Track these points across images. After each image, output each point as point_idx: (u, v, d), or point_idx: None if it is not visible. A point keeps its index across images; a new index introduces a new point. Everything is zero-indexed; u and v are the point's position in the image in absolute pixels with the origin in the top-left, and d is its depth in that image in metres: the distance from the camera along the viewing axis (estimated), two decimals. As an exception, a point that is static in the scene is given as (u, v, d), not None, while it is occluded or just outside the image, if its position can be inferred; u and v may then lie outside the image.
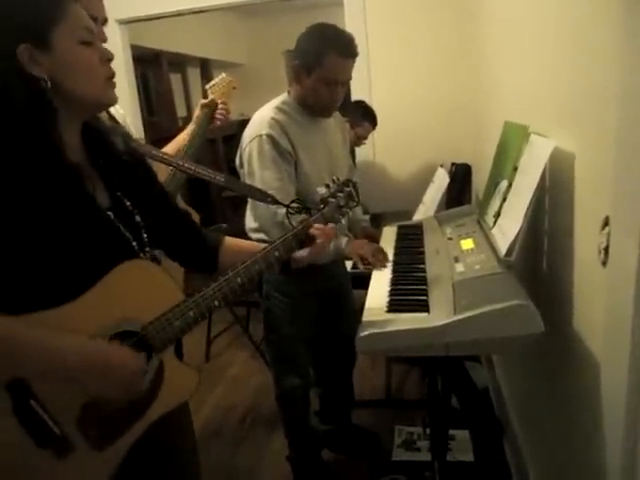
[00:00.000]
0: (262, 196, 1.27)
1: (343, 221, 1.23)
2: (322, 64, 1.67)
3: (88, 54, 0.91)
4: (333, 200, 1.20)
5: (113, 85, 0.97)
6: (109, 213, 0.98)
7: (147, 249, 1.04)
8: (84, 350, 0.89)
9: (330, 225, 1.17)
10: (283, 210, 1.63)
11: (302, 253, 1.15)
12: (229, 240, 1.23)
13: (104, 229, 0.96)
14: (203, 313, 1.00)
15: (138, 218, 1.03)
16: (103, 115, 1.66)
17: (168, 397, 1.00)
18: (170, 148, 1.86)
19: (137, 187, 1.06)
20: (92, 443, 0.93)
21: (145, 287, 0.97)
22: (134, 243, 1.00)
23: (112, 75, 0.96)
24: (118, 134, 1.08)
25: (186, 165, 1.22)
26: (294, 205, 1.18)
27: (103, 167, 1.01)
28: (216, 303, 1.02)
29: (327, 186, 1.21)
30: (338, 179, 1.23)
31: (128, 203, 1.03)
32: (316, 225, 1.14)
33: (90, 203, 0.95)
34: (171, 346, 1.01)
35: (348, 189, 1.21)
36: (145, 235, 1.04)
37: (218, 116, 1.82)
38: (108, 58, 0.95)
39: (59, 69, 0.88)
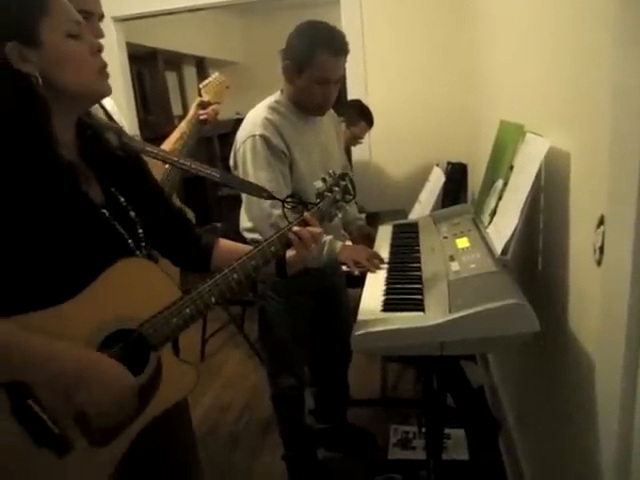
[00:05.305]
0: (258, 191, 1.26)
1: (340, 214, 1.22)
2: (313, 63, 1.65)
3: (77, 47, 0.90)
4: (329, 194, 1.19)
5: (106, 75, 0.96)
6: (104, 211, 0.97)
7: (143, 245, 1.03)
8: (80, 359, 0.88)
9: (310, 229, 1.12)
10: (277, 211, 1.61)
11: (291, 254, 1.14)
12: (223, 241, 1.22)
13: (99, 227, 0.96)
14: (200, 310, 1.00)
15: (133, 214, 1.03)
16: (97, 110, 1.66)
17: (167, 394, 1.00)
18: (162, 148, 1.85)
19: (131, 183, 1.06)
20: (92, 441, 0.92)
21: (141, 285, 0.97)
22: (129, 240, 1.00)
23: (104, 66, 0.95)
24: (111, 130, 1.07)
25: (181, 161, 1.21)
26: (289, 200, 1.17)
27: (97, 163, 1.01)
28: (213, 300, 1.01)
29: (323, 180, 1.20)
30: (334, 173, 1.22)
31: (122, 199, 1.02)
32: (295, 229, 1.11)
33: (84, 201, 0.95)
34: (169, 343, 1.00)
35: (344, 182, 1.21)
36: (140, 231, 1.03)
37: (202, 115, 1.81)
38: (98, 49, 0.94)
39: (49, 64, 0.87)
